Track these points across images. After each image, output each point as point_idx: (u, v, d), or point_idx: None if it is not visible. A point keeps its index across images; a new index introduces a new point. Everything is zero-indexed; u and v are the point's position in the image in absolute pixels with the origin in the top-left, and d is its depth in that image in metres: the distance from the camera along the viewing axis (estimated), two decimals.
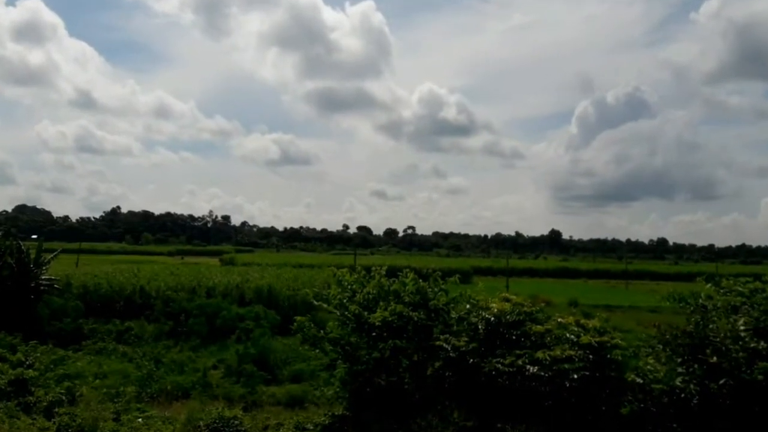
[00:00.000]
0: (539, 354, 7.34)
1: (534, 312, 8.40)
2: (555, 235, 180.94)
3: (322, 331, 9.43)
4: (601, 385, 7.26)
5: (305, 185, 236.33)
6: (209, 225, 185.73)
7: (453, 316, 9.02)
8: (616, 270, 61.06)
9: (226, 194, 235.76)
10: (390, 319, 8.73)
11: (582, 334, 7.52)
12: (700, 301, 7.90)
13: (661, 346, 7.30)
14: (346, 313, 9.23)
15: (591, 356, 7.27)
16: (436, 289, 9.39)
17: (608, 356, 7.28)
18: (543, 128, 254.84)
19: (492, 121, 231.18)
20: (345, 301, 9.38)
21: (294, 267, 35.18)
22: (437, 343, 8.32)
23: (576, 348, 7.36)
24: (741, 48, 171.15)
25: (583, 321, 7.91)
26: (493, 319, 8.23)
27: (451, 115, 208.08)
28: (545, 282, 49.38)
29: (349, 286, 9.76)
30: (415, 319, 8.76)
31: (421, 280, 9.42)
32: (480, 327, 8.32)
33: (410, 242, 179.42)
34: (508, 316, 8.19)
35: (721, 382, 6.47)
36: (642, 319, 20.74)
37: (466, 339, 8.16)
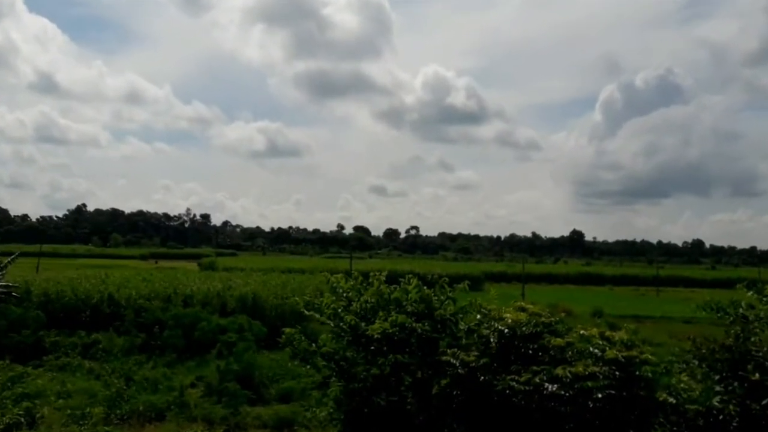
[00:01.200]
0: (559, 370, 7.35)
1: (553, 323, 8.41)
2: (577, 236, 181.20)
3: (314, 345, 9.44)
4: (628, 406, 7.27)
5: (295, 180, 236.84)
6: (186, 225, 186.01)
7: (462, 327, 9.03)
8: (645, 276, 61.14)
9: (205, 190, 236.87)
10: (390, 331, 8.74)
11: (607, 348, 7.53)
12: (741, 310, 7.90)
13: (696, 362, 7.31)
14: (341, 324, 9.25)
15: (617, 373, 7.28)
16: (442, 298, 9.40)
17: (637, 373, 7.29)
18: (563, 116, 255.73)
19: (505, 108, 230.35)
20: (340, 310, 9.39)
21: (282, 272, 35.20)
22: (444, 358, 8.33)
23: (600, 364, 7.37)
24: None
25: (608, 333, 7.92)
26: (506, 331, 8.24)
27: (460, 100, 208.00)
28: (566, 289, 49.47)
29: (344, 294, 9.77)
30: (419, 331, 8.77)
31: (425, 288, 9.42)
32: (492, 340, 8.33)
33: (413, 244, 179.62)
34: (523, 328, 8.20)
35: (764, 402, 6.47)
36: (675, 331, 20.78)
37: (476, 353, 8.18)
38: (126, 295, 20.49)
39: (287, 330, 9.62)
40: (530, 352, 8.02)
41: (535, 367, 7.58)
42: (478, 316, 8.87)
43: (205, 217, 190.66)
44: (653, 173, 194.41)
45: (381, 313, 9.06)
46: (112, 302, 20.06)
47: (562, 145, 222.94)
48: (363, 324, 9.00)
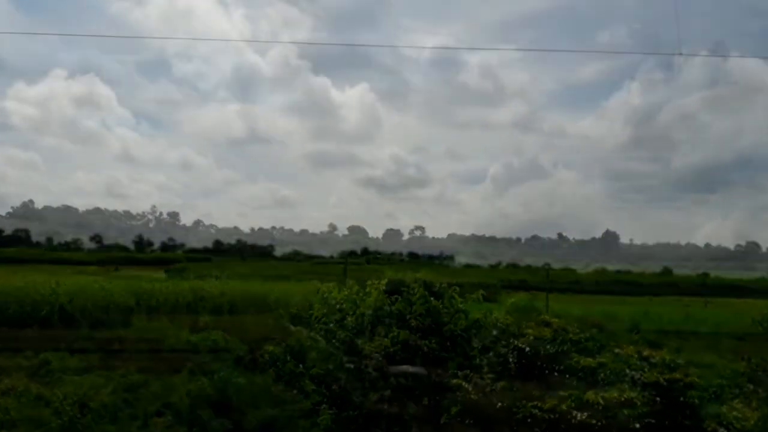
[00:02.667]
0: (590, 395, 7.33)
1: (582, 340, 8.41)
2: (610, 237, 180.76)
3: (301, 366, 9.43)
4: None
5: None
6: (151, 225, 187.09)
7: (475, 345, 9.03)
8: (690, 284, 61.04)
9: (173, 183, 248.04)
10: (392, 349, 8.73)
11: (646, 370, 7.52)
12: None
13: (751, 386, 7.30)
14: (334, 341, 9.25)
15: (658, 399, 7.26)
16: (452, 310, 9.39)
17: (681, 399, 7.27)
18: (591, 97, 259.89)
19: (526, 89, 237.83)
20: (332, 325, 9.39)
21: (264, 280, 35.09)
22: (454, 381, 8.32)
23: (638, 388, 7.36)
24: None
25: (647, 352, 7.91)
26: (528, 349, 8.23)
27: (473, 80, 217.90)
28: (597, 300, 49.32)
29: (337, 306, 9.77)
30: (425, 349, 8.77)
31: (432, 298, 9.43)
32: (511, 360, 8.32)
33: (419, 247, 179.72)
34: (548, 346, 8.20)
35: None
36: (726, 349, 20.71)
37: (491, 376, 8.17)
38: (80, 307, 20.44)
39: (270, 348, 9.62)
40: (555, 374, 8.01)
41: (561, 392, 7.57)
42: (494, 332, 8.88)
43: (173, 215, 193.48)
44: (698, 164, 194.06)
45: (380, 329, 9.06)
46: (65, 315, 20.00)
47: (591, 131, 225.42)
48: (359, 341, 8.99)
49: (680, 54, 13.37)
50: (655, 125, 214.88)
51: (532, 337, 8.31)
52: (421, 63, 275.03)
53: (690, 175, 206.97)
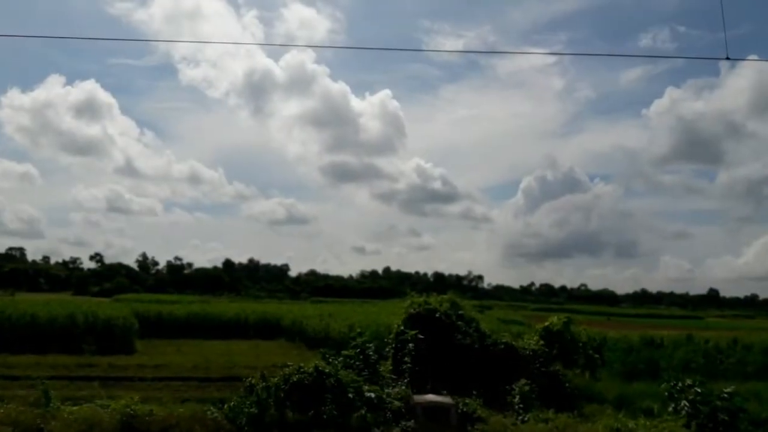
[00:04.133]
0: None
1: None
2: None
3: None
4: None
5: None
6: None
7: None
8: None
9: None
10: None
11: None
12: None
13: None
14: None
15: None
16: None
17: None
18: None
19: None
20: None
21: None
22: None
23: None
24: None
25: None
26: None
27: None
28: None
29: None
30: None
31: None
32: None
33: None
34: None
35: None
36: None
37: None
38: None
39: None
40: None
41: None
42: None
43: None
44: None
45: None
46: None
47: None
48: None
49: (727, 59, 13.37)
50: (701, 134, 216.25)
51: (559, 366, 8.43)
52: (448, 67, 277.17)
53: (740, 188, 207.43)
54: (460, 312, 18.84)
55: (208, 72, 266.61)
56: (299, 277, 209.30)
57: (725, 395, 12.79)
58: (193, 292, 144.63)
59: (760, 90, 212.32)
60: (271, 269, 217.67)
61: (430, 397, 14.86)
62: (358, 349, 16.40)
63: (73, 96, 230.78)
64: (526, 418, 12.04)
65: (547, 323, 21.85)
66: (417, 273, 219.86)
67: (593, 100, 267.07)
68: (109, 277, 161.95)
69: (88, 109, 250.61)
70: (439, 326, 18.21)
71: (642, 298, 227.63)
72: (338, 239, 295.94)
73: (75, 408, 16.11)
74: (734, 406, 12.89)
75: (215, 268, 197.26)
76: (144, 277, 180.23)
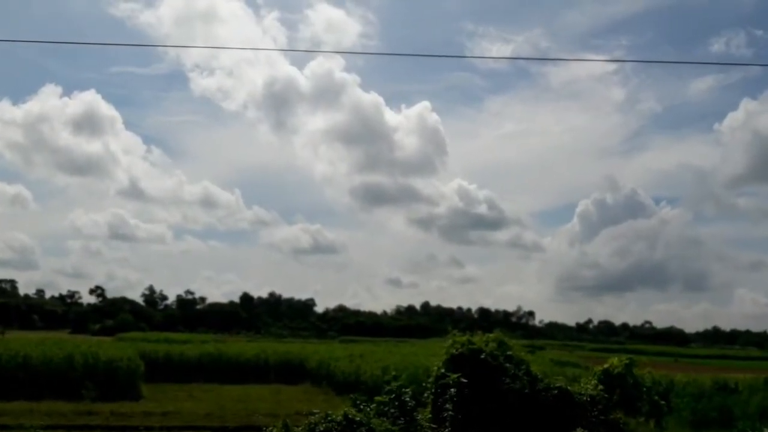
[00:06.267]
0: None
1: None
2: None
3: None
4: None
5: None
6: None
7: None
8: None
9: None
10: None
11: None
12: None
13: None
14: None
15: None
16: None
17: None
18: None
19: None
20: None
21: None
22: None
23: None
24: None
25: None
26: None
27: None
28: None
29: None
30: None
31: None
32: None
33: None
34: None
35: None
36: None
37: None
38: None
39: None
40: None
41: None
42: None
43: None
44: None
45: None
46: None
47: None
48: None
49: None
50: None
51: (620, 414, 8.49)
52: (494, 75, 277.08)
53: None
54: (508, 353, 18.82)
55: (224, 81, 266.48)
56: (326, 313, 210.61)
57: None
58: (206, 330, 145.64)
59: None
60: (295, 304, 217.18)
61: None
62: (393, 395, 16.45)
63: (71, 108, 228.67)
64: None
65: (606, 365, 21.82)
66: (459, 309, 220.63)
67: (658, 113, 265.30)
68: (111, 314, 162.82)
69: (87, 124, 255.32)
70: (484, 369, 18.22)
71: (714, 336, 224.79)
72: (370, 270, 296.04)
73: None
74: None
75: (231, 304, 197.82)
76: (151, 313, 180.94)
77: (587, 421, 17.25)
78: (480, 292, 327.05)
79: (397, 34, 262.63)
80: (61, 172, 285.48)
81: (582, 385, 20.45)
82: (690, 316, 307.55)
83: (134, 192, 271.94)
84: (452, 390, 17.37)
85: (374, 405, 15.96)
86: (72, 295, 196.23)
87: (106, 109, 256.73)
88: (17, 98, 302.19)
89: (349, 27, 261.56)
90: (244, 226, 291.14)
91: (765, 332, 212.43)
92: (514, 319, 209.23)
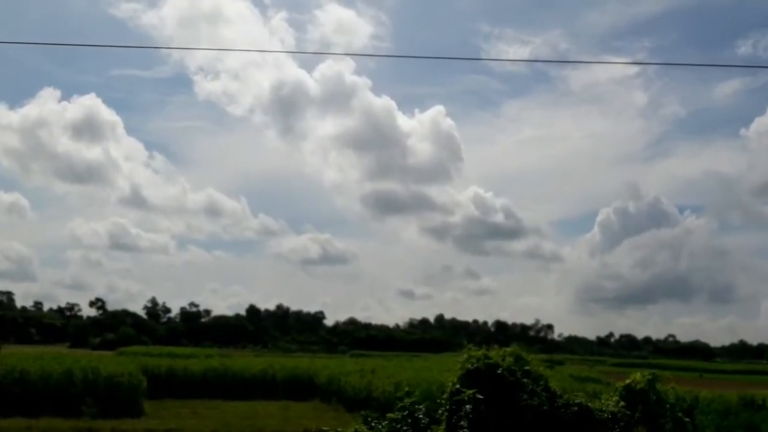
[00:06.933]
0: None
1: None
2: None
3: None
4: None
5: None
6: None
7: None
8: None
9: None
10: None
11: None
12: None
13: None
14: None
15: None
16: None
17: None
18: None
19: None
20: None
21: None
22: None
23: None
24: None
25: None
26: None
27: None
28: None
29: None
30: None
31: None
32: None
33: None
34: None
35: None
36: None
37: None
38: None
39: None
40: None
41: None
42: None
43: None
44: None
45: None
46: None
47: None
48: None
49: None
50: None
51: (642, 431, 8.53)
52: (512, 78, 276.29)
53: None
54: (526, 368, 18.80)
55: (230, 85, 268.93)
56: (336, 326, 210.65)
57: None
58: (211, 344, 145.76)
59: None
60: (303, 317, 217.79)
61: None
62: (406, 412, 16.47)
63: (70, 113, 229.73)
64: None
65: (628, 381, 21.77)
66: (475, 322, 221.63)
67: (682, 118, 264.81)
68: (112, 327, 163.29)
69: (87, 129, 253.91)
70: (501, 385, 18.22)
71: (740, 351, 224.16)
72: (382, 282, 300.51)
73: None
74: None
75: (237, 316, 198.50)
76: (153, 326, 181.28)
77: None
78: (496, 304, 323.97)
79: (410, 35, 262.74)
80: (59, 180, 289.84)
81: (603, 401, 20.42)
82: (715, 329, 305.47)
83: (136, 200, 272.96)
84: (467, 407, 17.39)
85: (386, 422, 15.98)
86: (71, 307, 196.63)
87: (107, 114, 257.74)
88: (14, 102, 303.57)
89: (360, 28, 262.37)
90: (251, 236, 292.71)
91: None
92: (532, 333, 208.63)
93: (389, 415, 16.18)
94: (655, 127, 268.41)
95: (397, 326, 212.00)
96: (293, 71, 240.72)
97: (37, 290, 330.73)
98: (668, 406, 21.58)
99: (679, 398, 23.26)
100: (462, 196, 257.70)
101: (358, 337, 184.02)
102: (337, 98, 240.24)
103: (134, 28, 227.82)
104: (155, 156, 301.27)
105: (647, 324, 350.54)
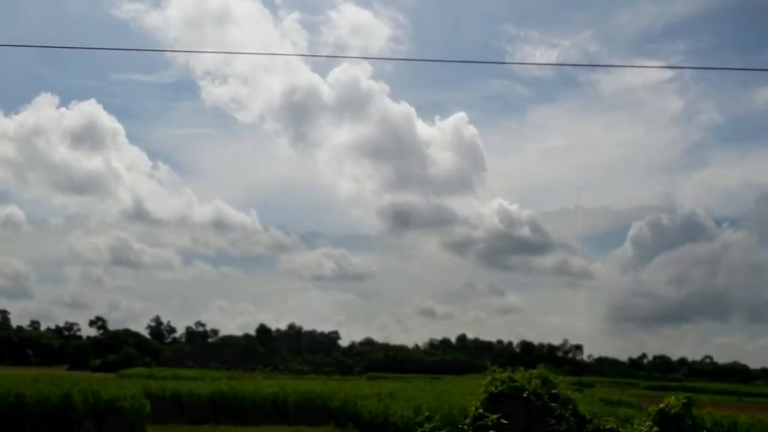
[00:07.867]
0: None
1: None
2: None
3: None
4: None
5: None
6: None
7: None
8: None
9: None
10: None
11: None
12: None
13: None
14: None
15: None
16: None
17: None
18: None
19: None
20: None
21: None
22: None
23: None
24: None
25: None
26: None
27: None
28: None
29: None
30: None
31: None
32: None
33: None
34: None
35: None
36: None
37: None
38: None
39: None
40: None
41: None
42: None
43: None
44: None
45: None
46: None
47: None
48: None
49: None
50: None
51: None
52: (538, 83, 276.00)
53: None
54: (553, 391, 18.81)
55: (238, 90, 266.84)
56: (352, 347, 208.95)
57: None
58: (218, 365, 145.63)
59: None
60: (317, 337, 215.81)
61: None
62: None
63: (69, 120, 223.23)
64: None
65: (662, 405, 21.74)
66: (499, 342, 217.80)
67: (720, 125, 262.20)
68: (113, 348, 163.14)
69: (87, 137, 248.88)
70: (527, 409, 18.25)
71: None
72: (401, 300, 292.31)
73: None
74: None
75: (246, 336, 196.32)
76: (157, 347, 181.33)
77: None
78: (522, 323, 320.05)
79: (431, 37, 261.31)
80: (57, 191, 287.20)
81: (635, 427, 20.39)
82: (755, 350, 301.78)
83: (139, 213, 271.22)
84: None
85: None
86: (70, 327, 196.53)
87: (108, 121, 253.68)
88: (9, 109, 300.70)
89: (377, 30, 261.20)
90: (261, 251, 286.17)
91: None
92: (560, 354, 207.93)
93: None
94: (691, 135, 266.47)
95: (417, 347, 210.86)
96: (306, 76, 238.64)
97: (33, 308, 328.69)
98: (705, 431, 21.54)
99: (716, 423, 23.20)
100: (485, 209, 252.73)
101: (375, 358, 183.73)
102: (352, 104, 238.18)
103: (137, 29, 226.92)
104: (159, 166, 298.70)
105: (682, 344, 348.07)
